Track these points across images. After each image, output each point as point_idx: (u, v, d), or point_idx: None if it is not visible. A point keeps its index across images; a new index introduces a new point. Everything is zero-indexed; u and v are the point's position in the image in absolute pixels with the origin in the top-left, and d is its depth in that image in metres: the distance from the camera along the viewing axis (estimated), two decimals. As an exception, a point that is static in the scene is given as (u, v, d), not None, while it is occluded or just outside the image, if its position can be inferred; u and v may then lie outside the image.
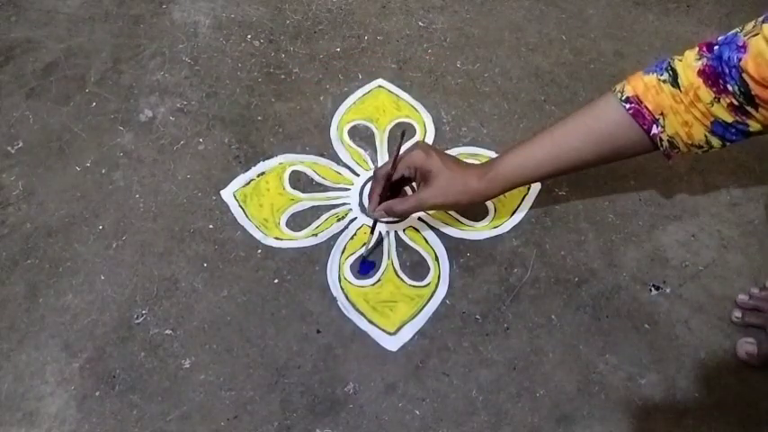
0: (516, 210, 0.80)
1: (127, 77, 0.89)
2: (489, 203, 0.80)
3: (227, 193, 0.79)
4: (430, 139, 0.85)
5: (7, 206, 0.78)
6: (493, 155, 0.83)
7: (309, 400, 0.67)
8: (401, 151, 0.67)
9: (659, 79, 0.59)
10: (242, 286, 0.73)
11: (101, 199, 0.79)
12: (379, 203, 0.69)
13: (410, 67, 0.92)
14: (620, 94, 0.61)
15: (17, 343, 0.69)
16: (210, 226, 0.77)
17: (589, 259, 0.77)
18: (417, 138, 0.85)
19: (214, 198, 0.79)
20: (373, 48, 0.94)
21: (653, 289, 0.75)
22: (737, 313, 0.73)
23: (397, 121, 0.87)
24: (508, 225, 0.79)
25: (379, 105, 0.88)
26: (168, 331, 0.70)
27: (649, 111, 0.59)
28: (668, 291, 0.75)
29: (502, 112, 0.88)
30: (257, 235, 0.76)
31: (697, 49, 0.57)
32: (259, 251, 0.75)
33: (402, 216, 0.74)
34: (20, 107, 0.86)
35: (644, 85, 0.60)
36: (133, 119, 0.85)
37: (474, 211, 0.80)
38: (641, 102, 0.60)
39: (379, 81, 0.90)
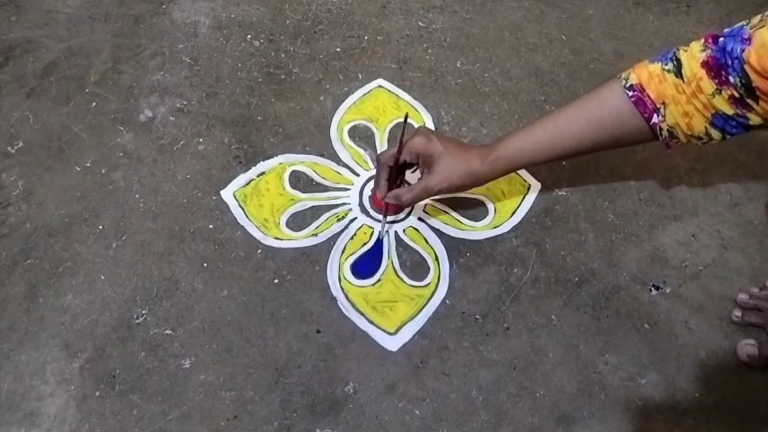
0: (516, 210, 0.80)
1: (127, 77, 0.89)
2: (489, 203, 0.80)
3: (227, 193, 0.79)
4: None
5: (7, 206, 0.78)
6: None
7: (309, 400, 0.67)
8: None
9: (663, 68, 0.59)
10: (242, 286, 0.73)
11: (101, 199, 0.79)
12: (389, 189, 0.70)
13: (410, 67, 0.92)
14: (624, 81, 0.61)
15: (17, 343, 0.69)
16: (210, 226, 0.77)
17: (589, 259, 0.77)
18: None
19: (214, 198, 0.79)
20: (373, 48, 0.94)
21: (653, 289, 0.75)
22: (737, 312, 0.73)
23: (397, 121, 0.87)
24: (508, 225, 0.79)
25: (379, 105, 0.88)
26: (168, 331, 0.70)
27: (651, 99, 0.60)
28: (668, 291, 0.75)
29: (502, 111, 0.88)
30: (257, 235, 0.76)
31: (703, 40, 0.58)
32: (259, 251, 0.75)
33: (410, 205, 0.75)
34: (20, 107, 0.86)
35: (648, 73, 0.60)
36: (133, 119, 0.85)
37: (474, 210, 0.80)
38: (644, 90, 0.60)
39: (379, 81, 0.90)
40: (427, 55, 0.94)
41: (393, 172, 0.69)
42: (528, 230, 0.78)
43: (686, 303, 0.74)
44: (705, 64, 0.56)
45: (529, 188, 0.82)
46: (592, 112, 0.63)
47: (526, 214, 0.80)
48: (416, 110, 0.88)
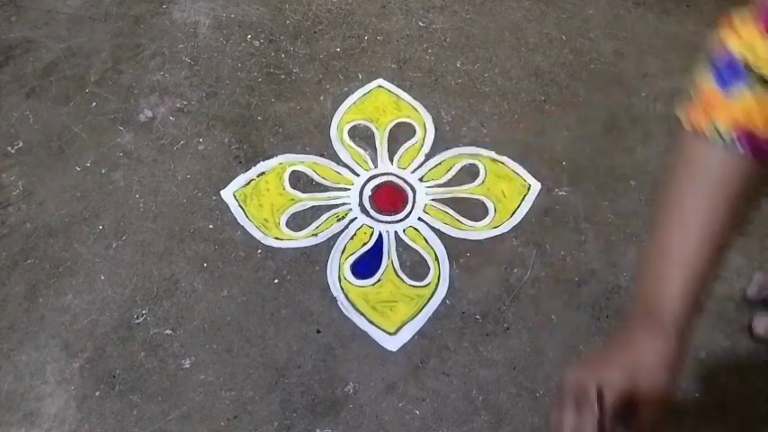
0: (516, 210, 0.80)
1: (127, 77, 0.89)
2: (489, 203, 0.80)
3: (227, 193, 0.79)
4: (430, 140, 0.85)
5: (7, 206, 0.78)
6: (493, 155, 0.83)
7: (309, 399, 0.67)
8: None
9: (745, 89, 0.45)
10: (242, 286, 0.73)
11: (101, 199, 0.79)
12: None
13: (410, 67, 0.92)
14: (716, 135, 0.46)
15: (17, 343, 0.69)
16: (210, 226, 0.77)
17: (589, 259, 0.77)
18: (417, 137, 0.85)
19: (214, 198, 0.79)
20: (373, 48, 0.94)
21: (653, 289, 0.75)
22: (754, 288, 0.72)
23: (397, 120, 0.87)
24: (508, 225, 0.79)
25: (379, 105, 0.88)
26: (168, 331, 0.70)
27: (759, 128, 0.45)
28: (668, 291, 0.75)
29: (502, 111, 0.88)
30: (257, 235, 0.76)
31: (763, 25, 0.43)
32: (259, 251, 0.75)
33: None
34: (20, 107, 0.86)
35: (730, 107, 0.46)
36: (133, 119, 0.85)
37: (474, 210, 0.80)
38: (746, 128, 0.45)
39: (379, 81, 0.90)
40: (427, 55, 0.94)
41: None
42: (528, 230, 0.78)
43: (686, 303, 0.74)
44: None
45: (529, 188, 0.82)
46: (709, 194, 0.48)
47: (526, 214, 0.80)
48: (416, 110, 0.88)
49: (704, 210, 0.49)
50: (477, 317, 0.72)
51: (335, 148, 0.84)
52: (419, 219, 0.79)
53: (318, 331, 0.71)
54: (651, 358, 0.48)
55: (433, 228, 0.78)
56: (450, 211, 0.80)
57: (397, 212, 0.79)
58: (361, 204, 0.80)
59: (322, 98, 0.88)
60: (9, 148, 0.82)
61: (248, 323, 0.71)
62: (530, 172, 0.83)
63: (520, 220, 0.79)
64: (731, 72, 0.46)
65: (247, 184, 0.80)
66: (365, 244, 0.76)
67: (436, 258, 0.76)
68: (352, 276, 0.74)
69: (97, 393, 0.66)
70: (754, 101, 0.45)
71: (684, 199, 0.50)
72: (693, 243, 0.48)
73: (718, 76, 0.46)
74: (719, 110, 0.46)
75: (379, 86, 0.90)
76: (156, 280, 0.73)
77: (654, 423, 0.49)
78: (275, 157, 0.83)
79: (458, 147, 0.84)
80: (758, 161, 0.46)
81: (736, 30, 0.45)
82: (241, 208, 0.78)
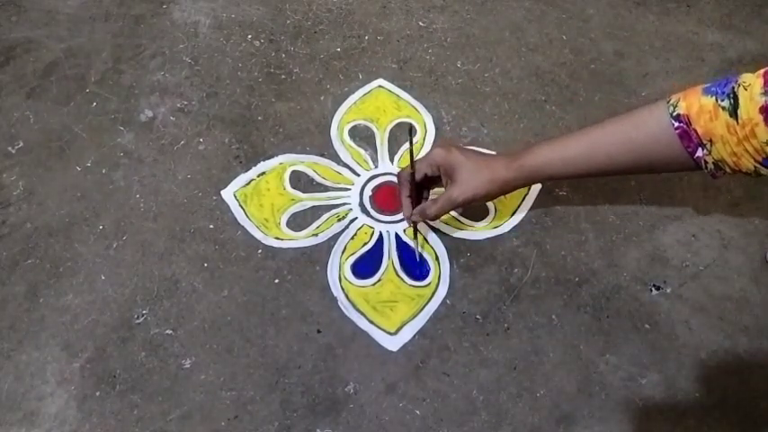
0: (516, 210, 0.80)
1: (127, 77, 0.89)
2: (489, 203, 0.80)
3: (227, 193, 0.79)
4: (430, 140, 0.85)
5: (8, 206, 0.78)
6: (494, 154, 0.83)
7: (310, 400, 0.67)
8: (413, 149, 0.66)
9: (718, 104, 0.55)
10: (242, 286, 0.73)
11: (101, 199, 0.79)
12: (413, 206, 0.70)
13: (410, 67, 0.92)
14: (672, 108, 0.57)
15: (17, 343, 0.69)
16: (211, 226, 0.77)
17: (589, 259, 0.77)
18: (418, 137, 0.85)
19: (214, 198, 0.79)
20: (373, 48, 0.94)
21: (653, 289, 0.75)
22: None
23: (397, 121, 0.87)
24: (508, 225, 0.79)
25: (380, 105, 0.88)
26: (168, 331, 0.70)
27: (697, 135, 0.56)
28: (668, 291, 0.75)
29: (502, 111, 0.88)
30: (258, 235, 0.76)
31: (762, 81, 0.53)
32: (259, 251, 0.76)
33: (436, 218, 0.74)
34: (20, 107, 0.86)
35: (699, 106, 0.56)
36: (133, 119, 0.85)
37: (474, 210, 0.80)
38: (691, 124, 0.56)
39: (380, 81, 0.90)
40: (428, 55, 0.94)
41: (413, 189, 0.69)
42: (528, 230, 0.79)
43: (687, 303, 0.74)
44: (763, 110, 0.52)
45: (529, 188, 0.82)
46: (629, 133, 0.60)
47: (526, 214, 0.80)
48: (417, 110, 0.88)
49: (610, 144, 0.60)
50: (478, 317, 0.72)
51: (336, 148, 0.84)
52: (419, 219, 0.79)
53: (319, 331, 0.71)
54: (486, 171, 0.65)
55: (433, 228, 0.78)
56: (451, 211, 0.80)
57: (397, 212, 0.79)
58: (361, 204, 0.80)
59: (322, 98, 0.88)
60: (9, 148, 0.82)
61: (248, 323, 0.71)
62: (530, 172, 0.83)
63: (520, 220, 0.79)
64: (722, 85, 0.55)
65: (248, 183, 0.80)
66: (365, 244, 0.77)
67: (436, 258, 0.76)
68: (352, 276, 0.74)
69: (98, 393, 0.66)
70: (713, 107, 0.54)
71: (609, 127, 0.61)
72: (579, 151, 0.62)
73: (715, 86, 0.55)
74: (689, 97, 0.56)
75: (380, 86, 0.90)
76: (156, 280, 0.73)
77: (438, 210, 0.68)
78: (276, 157, 0.83)
79: (458, 147, 0.84)
80: (681, 146, 0.57)
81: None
82: (241, 208, 0.78)
